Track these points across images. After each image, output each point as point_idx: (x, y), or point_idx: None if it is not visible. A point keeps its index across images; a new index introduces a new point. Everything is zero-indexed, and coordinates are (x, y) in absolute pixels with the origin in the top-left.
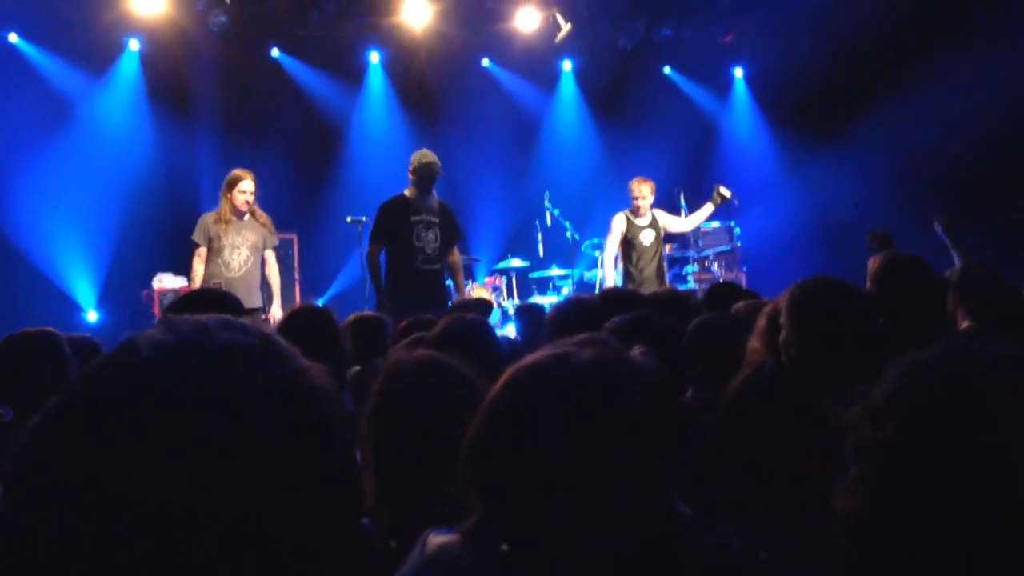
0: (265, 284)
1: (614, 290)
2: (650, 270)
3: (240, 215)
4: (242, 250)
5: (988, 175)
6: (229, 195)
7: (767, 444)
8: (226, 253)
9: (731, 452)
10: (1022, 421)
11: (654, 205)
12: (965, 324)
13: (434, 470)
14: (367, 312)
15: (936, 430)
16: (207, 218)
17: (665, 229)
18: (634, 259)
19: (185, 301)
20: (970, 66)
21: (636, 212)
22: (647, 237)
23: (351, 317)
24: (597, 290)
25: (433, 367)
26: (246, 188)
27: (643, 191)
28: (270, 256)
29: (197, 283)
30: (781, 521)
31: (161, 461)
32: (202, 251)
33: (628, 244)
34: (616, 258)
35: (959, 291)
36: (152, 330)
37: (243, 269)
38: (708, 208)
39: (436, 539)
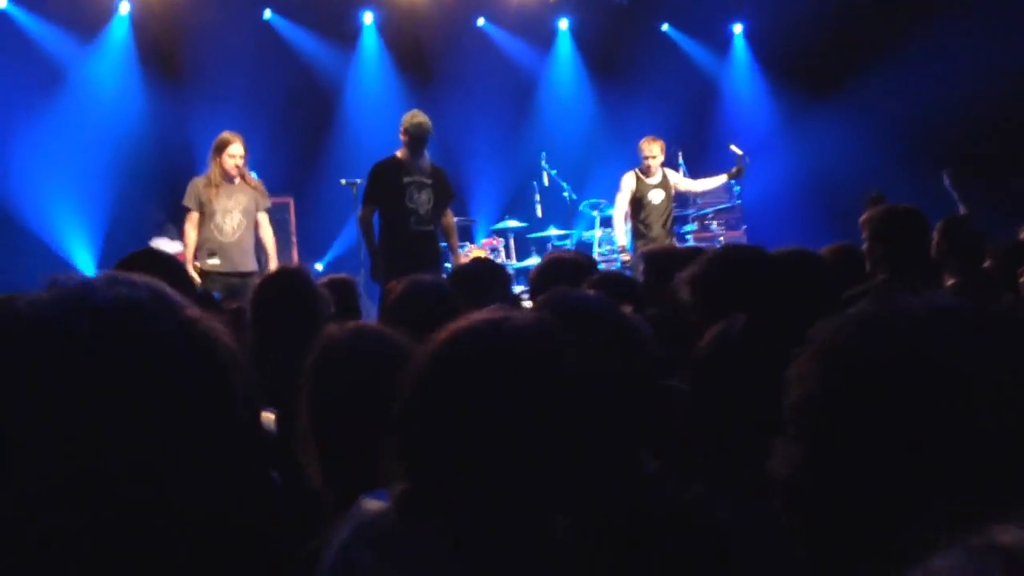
0: (260, 247)
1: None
2: (658, 228)
3: (230, 179)
4: (234, 214)
5: (988, 134)
6: (218, 159)
7: (738, 401)
8: (218, 217)
9: (702, 409)
10: (947, 375)
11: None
12: (950, 281)
13: (373, 445)
14: (337, 275)
15: (858, 386)
16: (197, 182)
17: (676, 188)
18: (642, 217)
19: (125, 264)
20: (971, 23)
21: (646, 171)
22: (656, 196)
23: (324, 279)
24: (595, 250)
25: (366, 338)
26: (235, 152)
27: (653, 150)
28: (263, 219)
29: (191, 249)
30: (746, 482)
31: (31, 416)
32: (194, 216)
33: (637, 203)
34: (625, 216)
35: (943, 239)
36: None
37: (236, 233)
38: (722, 178)
39: (368, 508)
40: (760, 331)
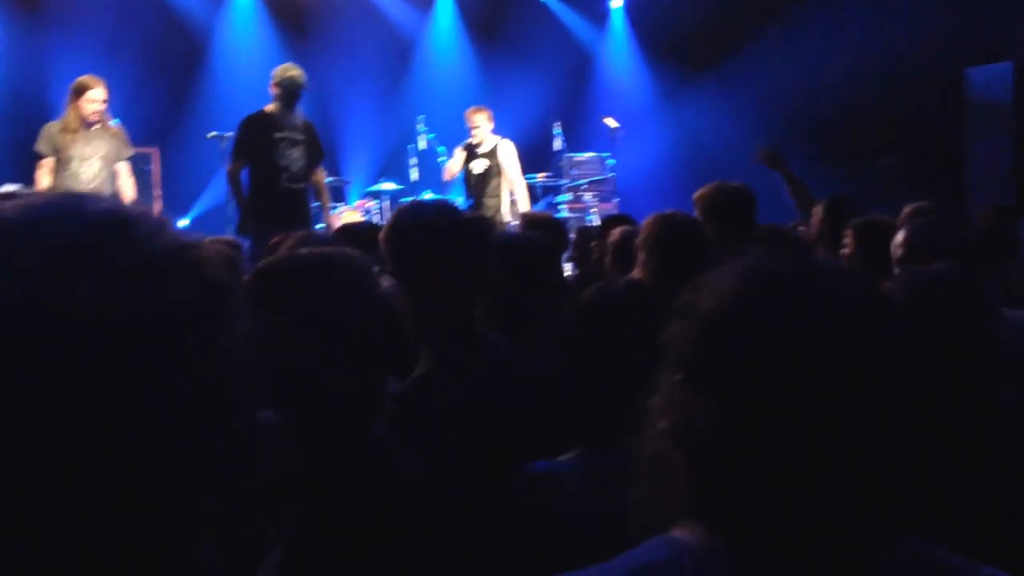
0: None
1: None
2: (482, 199)
3: (89, 125)
4: (93, 161)
5: (854, 117)
6: (77, 103)
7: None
8: (75, 164)
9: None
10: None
11: (498, 133)
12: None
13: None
14: (221, 236)
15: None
16: (51, 127)
17: (499, 165)
18: (471, 184)
19: None
20: (842, 8)
21: (473, 141)
22: (478, 166)
23: (206, 240)
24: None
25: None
26: (96, 96)
27: (475, 120)
28: (123, 168)
29: None
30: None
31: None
32: (48, 162)
33: (465, 172)
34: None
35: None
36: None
37: (94, 182)
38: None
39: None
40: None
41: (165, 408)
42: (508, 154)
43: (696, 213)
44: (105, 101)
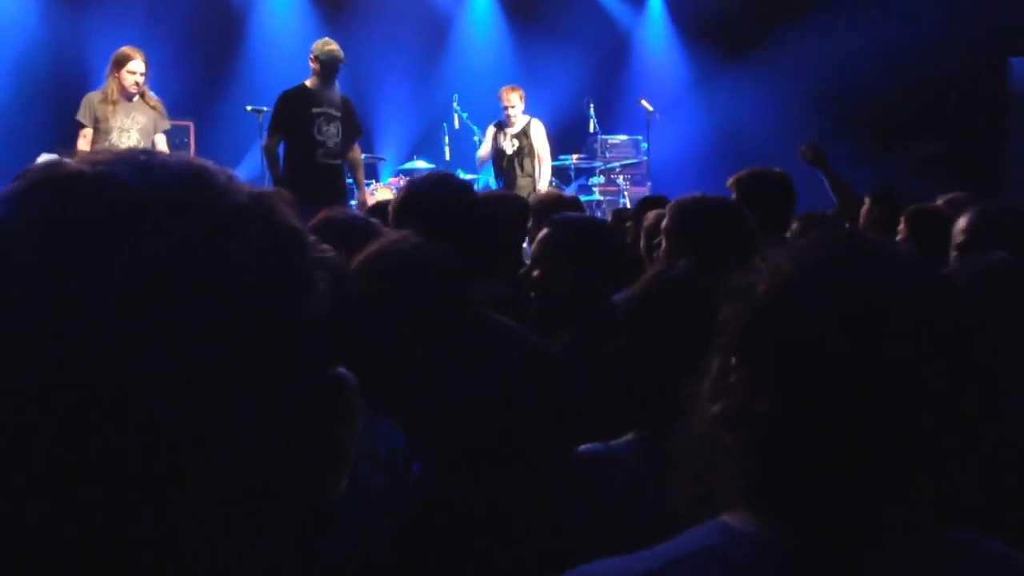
0: None
1: None
2: (514, 176)
3: (129, 96)
4: (132, 133)
5: (892, 102)
6: (117, 74)
7: (675, 344)
8: (114, 136)
9: (637, 354)
10: (926, 319)
11: (531, 113)
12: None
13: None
14: None
15: (835, 321)
16: (92, 98)
17: (531, 144)
18: (503, 165)
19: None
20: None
21: (507, 121)
22: (509, 145)
23: None
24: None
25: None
26: (136, 68)
27: (511, 99)
28: (161, 140)
29: None
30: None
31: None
32: (87, 132)
33: (496, 151)
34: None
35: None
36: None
37: None
38: (544, 180)
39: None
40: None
41: (231, 378)
42: (539, 133)
43: (733, 196)
44: (145, 73)
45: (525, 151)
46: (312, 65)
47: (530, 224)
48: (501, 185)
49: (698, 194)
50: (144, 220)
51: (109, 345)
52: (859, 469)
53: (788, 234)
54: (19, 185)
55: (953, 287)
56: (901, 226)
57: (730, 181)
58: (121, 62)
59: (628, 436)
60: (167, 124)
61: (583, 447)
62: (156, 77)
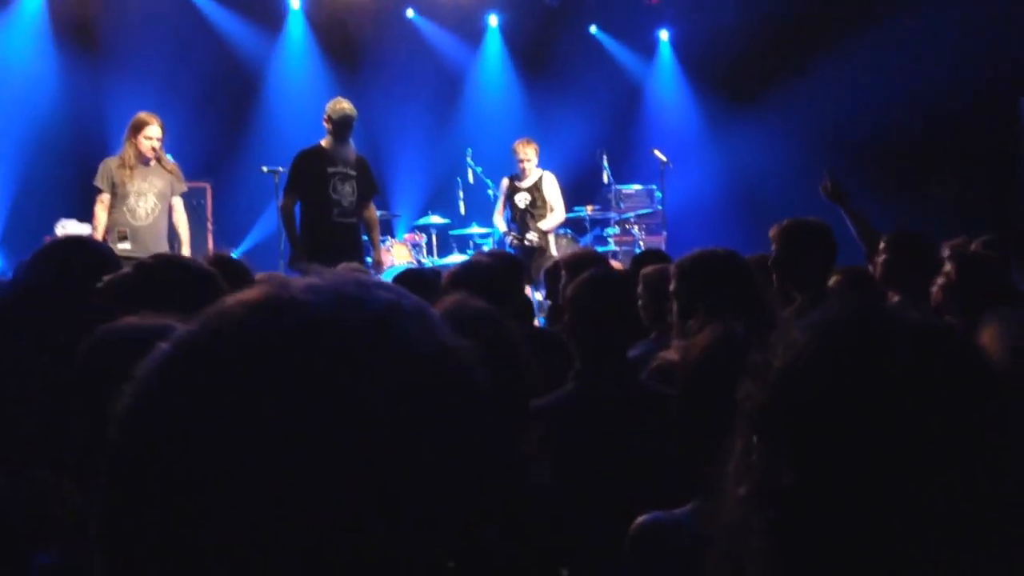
0: (173, 232)
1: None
2: (519, 231)
3: (145, 161)
4: (148, 197)
5: (904, 144)
6: (134, 140)
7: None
8: (132, 200)
9: (695, 423)
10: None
11: (544, 165)
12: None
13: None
14: (275, 273)
15: (861, 393)
16: (110, 163)
17: (544, 198)
18: (515, 218)
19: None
20: (892, 40)
21: (519, 175)
22: (521, 199)
23: (261, 275)
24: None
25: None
26: (152, 134)
27: (527, 153)
28: (178, 203)
29: (100, 231)
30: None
31: (293, 418)
32: (105, 197)
33: (510, 206)
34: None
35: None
36: (300, 278)
37: (150, 217)
38: (556, 220)
39: None
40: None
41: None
42: (551, 186)
43: (772, 249)
44: (161, 138)
45: (537, 204)
46: (326, 125)
47: (563, 280)
48: (514, 237)
49: (698, 251)
50: (331, 356)
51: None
52: (883, 548)
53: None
54: (239, 304)
55: (975, 355)
56: (947, 268)
57: (772, 232)
58: (138, 128)
59: (689, 505)
60: (184, 187)
61: (645, 516)
62: (174, 139)
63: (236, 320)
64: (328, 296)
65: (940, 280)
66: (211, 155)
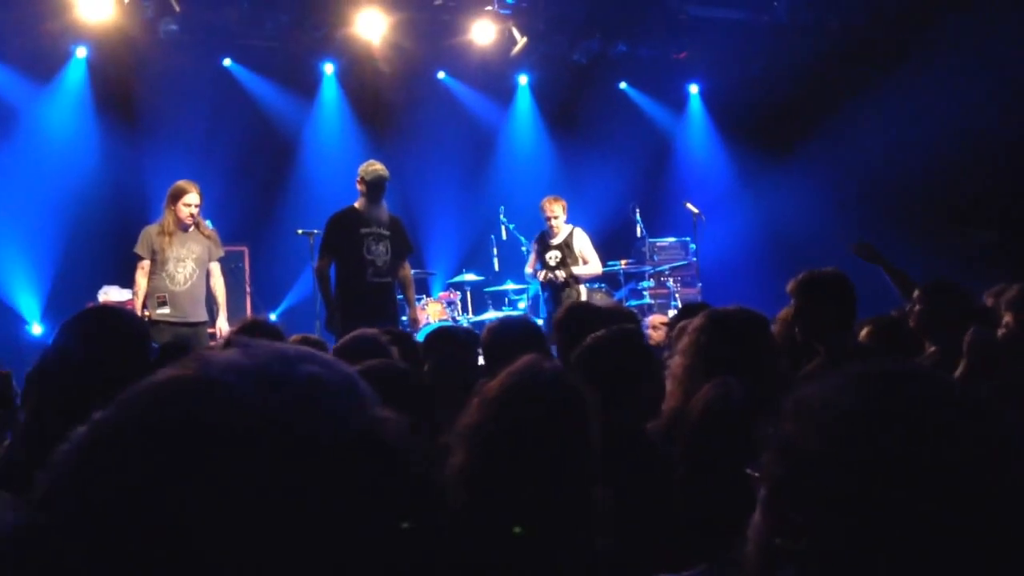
0: (211, 297)
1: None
2: (551, 289)
3: (184, 227)
4: (187, 263)
5: (937, 192)
6: (173, 207)
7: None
8: (171, 266)
9: (701, 479)
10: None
11: (577, 220)
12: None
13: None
14: (310, 335)
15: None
16: (150, 231)
17: (574, 254)
18: (543, 276)
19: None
20: (917, 87)
21: (549, 232)
22: (552, 257)
23: (295, 337)
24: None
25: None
26: (191, 201)
27: (554, 210)
28: (215, 268)
29: (140, 297)
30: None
31: (215, 499)
32: (145, 264)
33: (541, 263)
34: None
35: (927, 303)
36: (226, 351)
37: (188, 282)
38: (590, 270)
39: None
40: (751, 394)
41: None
42: (582, 240)
43: (792, 302)
44: (199, 204)
45: (567, 261)
46: (359, 187)
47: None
48: (547, 295)
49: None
50: (257, 450)
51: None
52: None
53: (861, 335)
54: (152, 385)
55: (1001, 420)
56: (1006, 318)
57: (789, 287)
58: (177, 195)
59: (698, 569)
60: (221, 252)
61: None
62: (212, 204)
63: (145, 403)
64: (250, 376)
65: (1001, 331)
66: (248, 218)
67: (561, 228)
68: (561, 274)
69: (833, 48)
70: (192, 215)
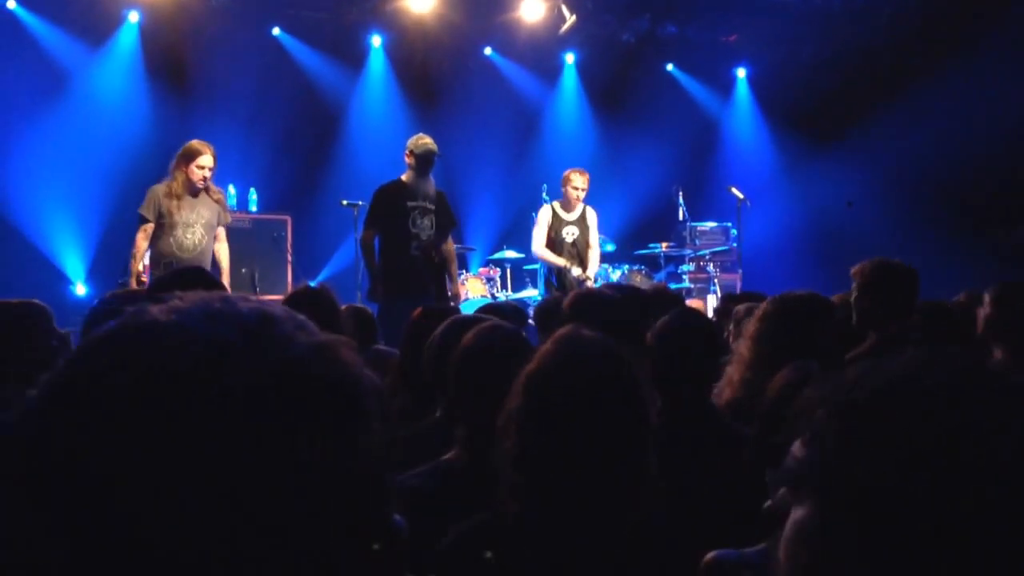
0: (215, 263)
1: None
2: (582, 265)
3: (195, 191)
4: (196, 228)
5: (986, 188)
6: (185, 168)
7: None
8: (179, 231)
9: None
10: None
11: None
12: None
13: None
14: (356, 305)
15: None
16: (157, 191)
17: (588, 235)
18: (561, 254)
19: (168, 279)
20: (970, 78)
21: (566, 205)
22: (569, 233)
23: (346, 307)
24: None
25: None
26: (205, 163)
27: (585, 183)
28: (221, 233)
29: (139, 261)
30: None
31: (189, 429)
32: (149, 228)
33: (552, 239)
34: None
35: (996, 307)
36: (161, 303)
37: (197, 249)
38: (597, 262)
39: None
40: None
41: (292, 505)
42: (594, 221)
43: (853, 288)
44: (213, 168)
45: (579, 240)
46: (407, 160)
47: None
48: (552, 278)
49: (780, 297)
50: (209, 369)
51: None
52: None
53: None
54: (106, 332)
55: None
56: None
57: (854, 270)
58: (190, 156)
59: (761, 545)
60: (228, 218)
61: (717, 552)
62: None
63: (94, 347)
64: (195, 313)
65: None
66: (292, 188)
67: (578, 204)
68: (591, 278)
69: (884, 37)
70: (205, 178)
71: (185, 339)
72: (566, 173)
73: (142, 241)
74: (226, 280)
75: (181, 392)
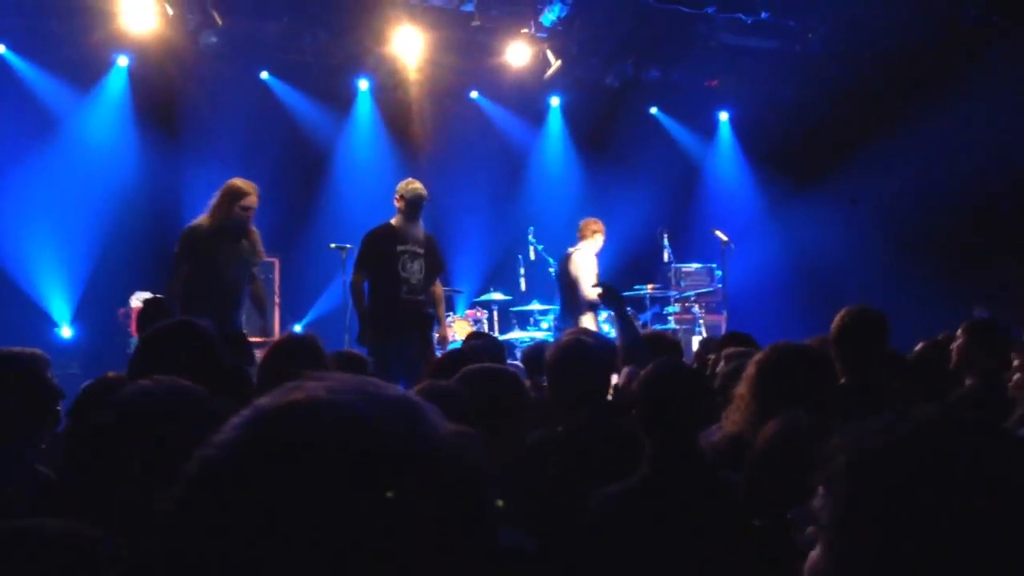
0: (252, 303)
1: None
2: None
3: (236, 231)
4: (236, 265)
5: (977, 223)
6: (229, 208)
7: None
8: (220, 267)
9: (757, 502)
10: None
11: (605, 244)
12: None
13: None
14: (349, 350)
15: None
16: (197, 231)
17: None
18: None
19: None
20: (949, 121)
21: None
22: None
23: (334, 354)
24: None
25: None
26: (250, 204)
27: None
28: (255, 272)
29: (177, 300)
30: None
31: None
32: (186, 269)
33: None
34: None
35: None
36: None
37: (235, 286)
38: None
39: None
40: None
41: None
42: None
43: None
44: (254, 208)
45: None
46: (397, 204)
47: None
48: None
49: (772, 348)
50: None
51: None
52: None
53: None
54: (262, 409)
55: None
56: (1016, 363)
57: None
58: (236, 196)
59: None
60: (262, 257)
61: None
62: None
63: (274, 421)
64: (357, 396)
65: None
66: (280, 230)
67: None
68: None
69: (865, 79)
70: (248, 218)
71: (357, 424)
72: (599, 223)
73: (178, 281)
74: (271, 319)
75: (369, 474)
